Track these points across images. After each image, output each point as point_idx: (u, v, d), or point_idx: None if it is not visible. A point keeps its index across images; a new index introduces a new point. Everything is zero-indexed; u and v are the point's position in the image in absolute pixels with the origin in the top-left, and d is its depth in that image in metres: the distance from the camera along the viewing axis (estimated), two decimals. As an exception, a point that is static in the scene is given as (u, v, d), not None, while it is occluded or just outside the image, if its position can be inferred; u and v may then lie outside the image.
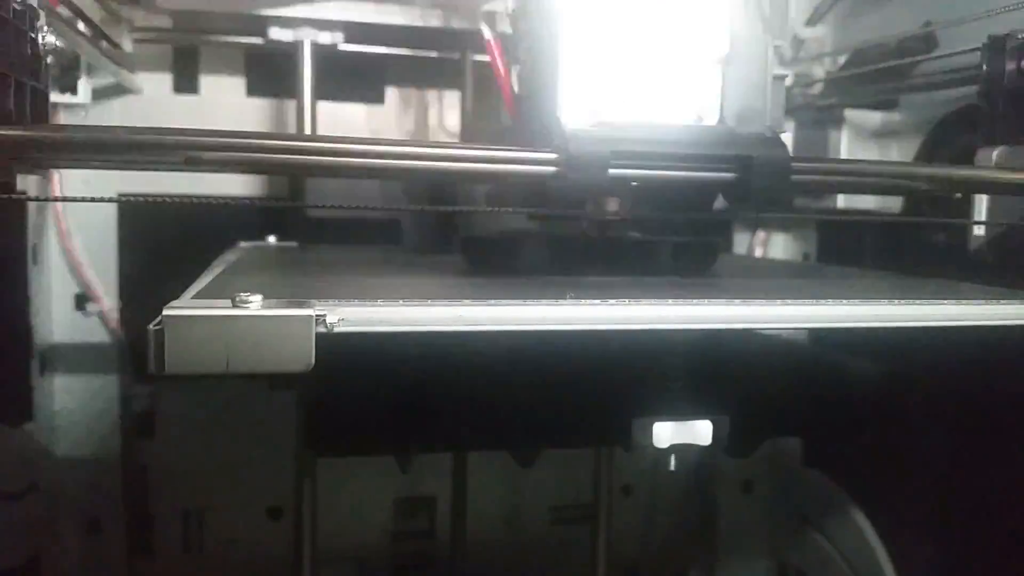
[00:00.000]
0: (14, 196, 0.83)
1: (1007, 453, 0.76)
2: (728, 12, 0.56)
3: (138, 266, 1.03)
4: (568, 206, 0.55)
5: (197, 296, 0.42)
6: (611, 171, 0.51)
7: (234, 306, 0.37)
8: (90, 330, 1.02)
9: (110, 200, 0.82)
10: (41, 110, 0.66)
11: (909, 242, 0.96)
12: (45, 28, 0.67)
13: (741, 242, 1.19)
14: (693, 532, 1.21)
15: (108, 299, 1.02)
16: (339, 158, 0.49)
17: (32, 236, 0.96)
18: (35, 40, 0.65)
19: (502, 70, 0.67)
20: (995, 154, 0.74)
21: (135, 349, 1.02)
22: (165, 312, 0.36)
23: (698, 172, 0.53)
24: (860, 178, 0.62)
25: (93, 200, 0.94)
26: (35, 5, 0.65)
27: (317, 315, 0.37)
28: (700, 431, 0.50)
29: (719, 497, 1.20)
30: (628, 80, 0.55)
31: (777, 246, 1.19)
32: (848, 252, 1.08)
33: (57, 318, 1.01)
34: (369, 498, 1.09)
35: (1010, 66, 0.75)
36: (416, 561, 1.12)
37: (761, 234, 1.18)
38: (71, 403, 1.02)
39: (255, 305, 0.37)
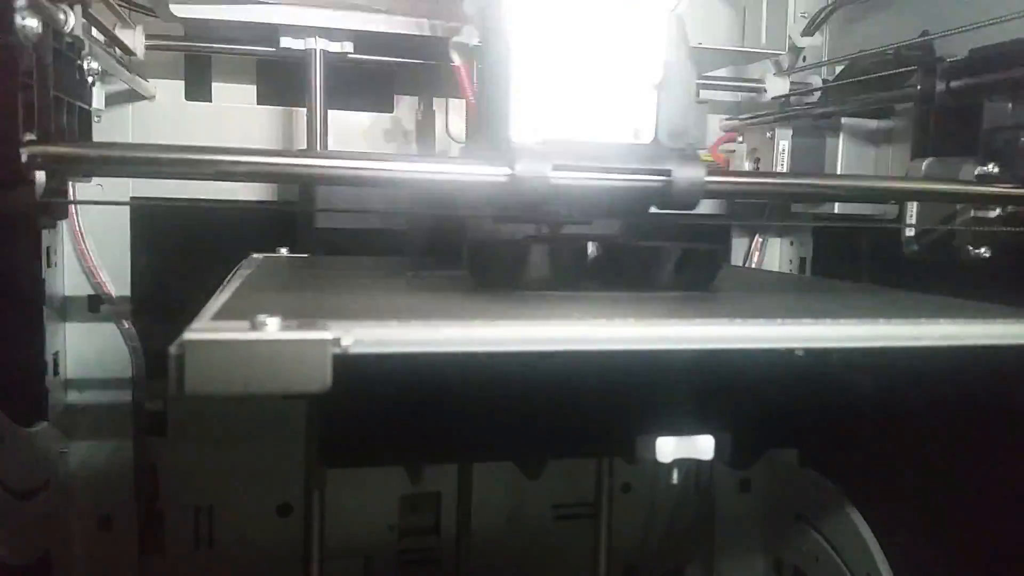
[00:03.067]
0: (28, 200, 0.85)
1: (997, 454, 0.78)
2: (661, 43, 0.63)
3: (151, 267, 1.05)
4: (520, 211, 0.63)
5: (216, 316, 0.42)
6: (552, 181, 0.58)
7: (252, 329, 0.38)
8: (103, 331, 1.03)
9: (124, 203, 0.85)
10: (86, 127, 0.75)
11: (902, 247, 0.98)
12: (90, 56, 0.74)
13: (739, 246, 1.21)
14: (691, 529, 1.23)
15: (121, 300, 1.03)
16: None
17: (46, 238, 0.97)
18: (81, 67, 0.73)
19: (469, 92, 0.77)
20: (924, 165, 0.83)
21: (147, 349, 1.04)
22: (185, 336, 0.37)
23: (625, 182, 0.61)
24: (760, 190, 0.75)
25: (107, 204, 0.96)
26: (81, 36, 0.71)
27: (333, 338, 0.38)
28: (702, 446, 0.52)
29: (717, 495, 1.22)
30: (573, 103, 0.63)
31: (774, 251, 1.21)
32: (844, 257, 1.09)
33: (71, 319, 1.03)
34: (376, 495, 1.11)
35: (940, 87, 0.83)
36: (422, 557, 1.14)
37: (758, 239, 1.20)
38: (84, 402, 1.04)
39: (272, 328, 0.38)
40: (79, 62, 0.72)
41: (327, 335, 0.38)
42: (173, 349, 0.37)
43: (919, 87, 0.85)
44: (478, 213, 0.68)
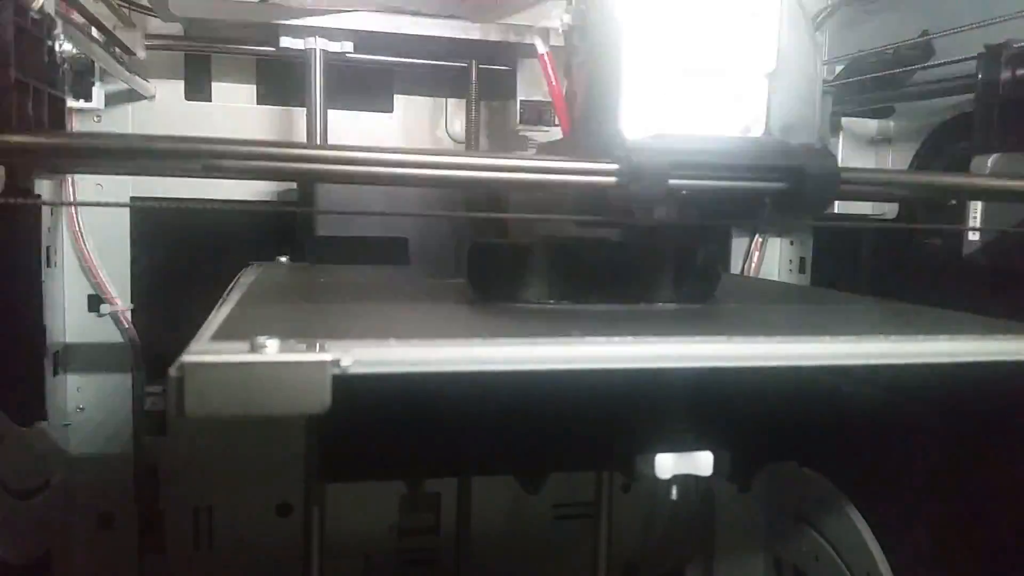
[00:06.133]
0: (29, 200, 0.86)
1: (995, 456, 0.78)
2: (776, 28, 0.58)
3: (151, 267, 1.05)
4: (624, 215, 0.57)
5: (215, 336, 0.42)
6: (670, 181, 0.53)
7: (252, 351, 0.37)
8: (103, 330, 1.04)
9: (122, 205, 0.84)
10: (59, 117, 0.69)
11: (904, 247, 0.98)
12: (62, 36, 0.69)
13: (739, 246, 1.21)
14: (691, 529, 1.23)
15: (121, 300, 1.03)
16: (393, 168, 0.51)
17: (46, 238, 0.97)
18: (52, 48, 0.67)
19: (554, 82, 0.69)
20: (990, 161, 0.76)
21: (147, 349, 1.04)
22: (184, 359, 0.37)
23: (751, 182, 0.55)
24: (897, 188, 0.65)
25: (107, 205, 0.96)
26: (52, 14, 0.67)
27: (332, 359, 0.38)
28: (701, 462, 0.51)
29: (717, 495, 1.22)
30: (680, 93, 0.58)
31: (774, 251, 1.21)
32: (844, 257, 1.09)
33: (71, 319, 1.03)
34: (376, 495, 1.11)
35: (1005, 75, 0.78)
36: (422, 556, 1.15)
37: (758, 239, 1.20)
38: (84, 402, 1.04)
39: (272, 350, 0.38)
40: (49, 43, 0.66)
41: (326, 357, 0.38)
42: (172, 372, 0.36)
43: (980, 76, 0.79)
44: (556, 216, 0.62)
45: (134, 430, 1.05)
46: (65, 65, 0.70)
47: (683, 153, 0.53)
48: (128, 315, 1.04)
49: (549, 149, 0.74)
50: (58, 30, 0.69)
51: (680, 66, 0.57)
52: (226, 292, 0.65)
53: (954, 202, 0.83)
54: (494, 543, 1.13)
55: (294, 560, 0.89)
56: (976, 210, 0.78)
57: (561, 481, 1.13)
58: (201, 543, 1.08)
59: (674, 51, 0.57)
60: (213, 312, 0.52)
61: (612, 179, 0.53)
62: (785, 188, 0.55)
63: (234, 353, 0.38)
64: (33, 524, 0.91)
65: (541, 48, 0.72)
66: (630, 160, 0.52)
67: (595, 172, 0.53)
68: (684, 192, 0.55)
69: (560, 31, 0.69)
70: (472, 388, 0.44)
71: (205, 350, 0.38)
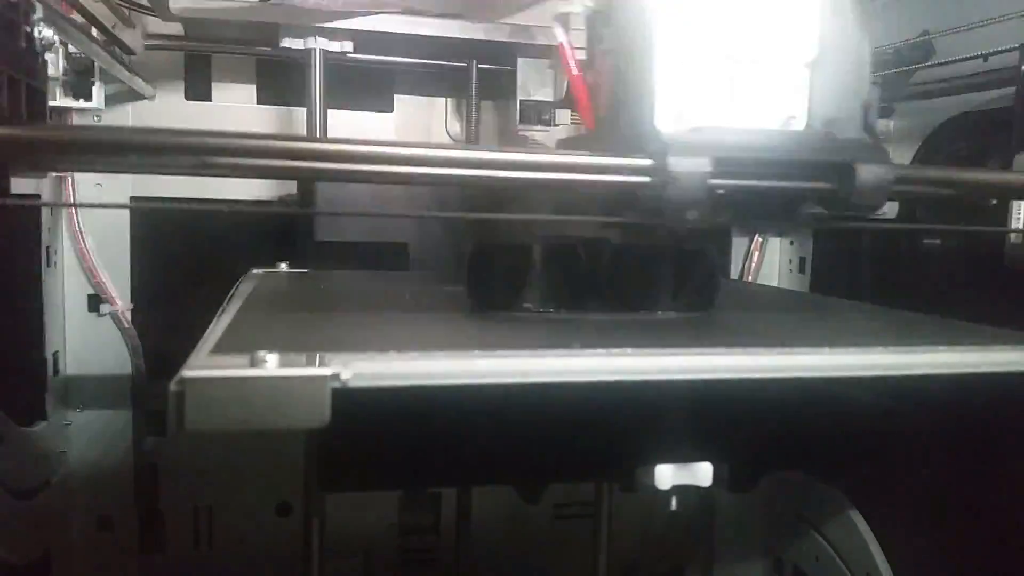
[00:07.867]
0: (26, 202, 0.85)
1: (995, 456, 0.78)
2: (819, 12, 0.54)
3: (151, 267, 1.04)
4: (656, 216, 0.51)
5: (215, 350, 0.42)
6: (712, 180, 0.48)
7: (252, 365, 0.38)
8: (103, 331, 1.04)
9: (122, 206, 0.84)
10: (38, 109, 0.63)
11: (905, 247, 0.98)
12: (42, 23, 0.64)
13: (739, 245, 1.21)
14: (691, 530, 1.23)
15: (121, 300, 1.03)
16: (407, 166, 0.46)
17: (46, 238, 0.97)
18: (30, 35, 0.63)
19: (575, 73, 0.63)
20: None
21: (148, 349, 1.04)
22: (184, 374, 0.37)
23: (799, 182, 0.51)
24: (954, 188, 0.58)
25: (107, 206, 0.96)
26: None
27: (332, 373, 0.38)
28: (701, 472, 0.51)
29: (717, 495, 1.22)
30: (716, 82, 0.53)
31: (774, 251, 1.21)
32: (844, 257, 1.09)
33: (70, 319, 1.03)
34: (376, 494, 1.11)
35: None
36: (422, 556, 1.15)
37: (758, 239, 1.20)
38: (84, 402, 1.04)
39: (272, 364, 0.38)
40: (27, 28, 0.61)
41: (326, 371, 0.38)
42: (173, 386, 0.37)
43: (1022, 67, 0.75)
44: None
45: (134, 430, 1.05)
46: (47, 54, 0.64)
47: (725, 149, 0.49)
48: (128, 315, 1.04)
49: (570, 146, 0.68)
50: (37, 15, 0.63)
51: (716, 52, 0.52)
52: (226, 300, 0.65)
53: (995, 202, 0.77)
54: (494, 543, 1.13)
55: (294, 560, 0.89)
56: (1020, 210, 0.75)
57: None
58: (201, 543, 1.08)
59: (710, 36, 0.52)
60: (213, 322, 0.52)
61: (645, 178, 0.48)
62: (832, 188, 0.51)
63: (234, 368, 0.38)
64: (33, 524, 0.91)
65: (560, 36, 0.65)
66: (666, 157, 0.48)
67: (626, 170, 0.48)
68: (721, 192, 0.50)
69: (583, 17, 0.64)
70: (471, 399, 0.44)
71: (205, 364, 0.38)
